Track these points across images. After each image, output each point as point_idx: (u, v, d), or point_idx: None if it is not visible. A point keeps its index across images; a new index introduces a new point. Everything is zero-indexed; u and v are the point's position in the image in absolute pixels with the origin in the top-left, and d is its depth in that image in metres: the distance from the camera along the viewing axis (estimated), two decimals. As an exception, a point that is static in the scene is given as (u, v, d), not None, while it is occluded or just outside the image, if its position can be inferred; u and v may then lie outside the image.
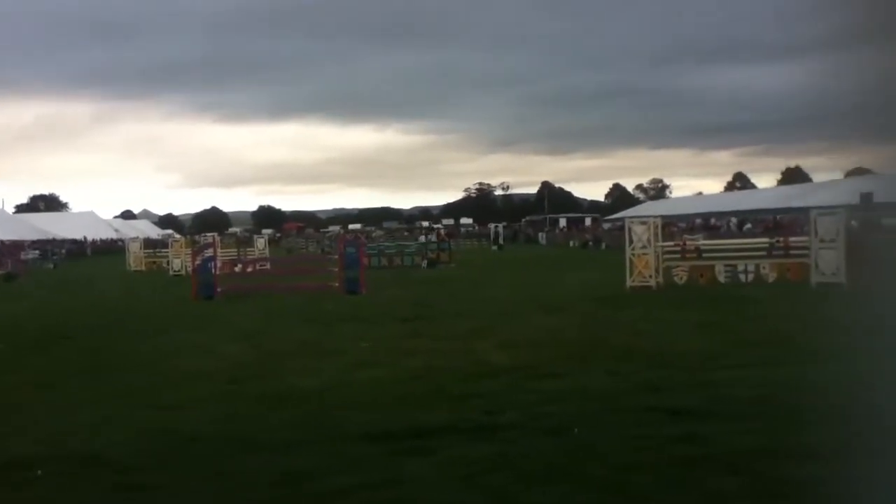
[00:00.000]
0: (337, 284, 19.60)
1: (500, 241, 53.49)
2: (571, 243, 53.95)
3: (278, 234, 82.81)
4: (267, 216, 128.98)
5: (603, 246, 44.16)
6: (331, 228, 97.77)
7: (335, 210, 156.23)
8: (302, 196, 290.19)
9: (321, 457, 5.46)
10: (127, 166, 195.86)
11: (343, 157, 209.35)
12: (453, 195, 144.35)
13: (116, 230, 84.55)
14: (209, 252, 21.02)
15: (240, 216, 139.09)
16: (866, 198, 29.65)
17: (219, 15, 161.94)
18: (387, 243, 41.25)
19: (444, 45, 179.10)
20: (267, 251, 38.03)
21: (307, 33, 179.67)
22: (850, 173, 77.52)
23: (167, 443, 5.98)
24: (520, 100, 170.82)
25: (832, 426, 5.73)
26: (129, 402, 7.48)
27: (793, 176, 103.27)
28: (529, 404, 6.78)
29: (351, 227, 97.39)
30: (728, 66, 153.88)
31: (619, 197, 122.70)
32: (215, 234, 49.00)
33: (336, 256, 22.11)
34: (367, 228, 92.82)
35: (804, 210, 22.58)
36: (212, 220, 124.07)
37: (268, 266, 29.07)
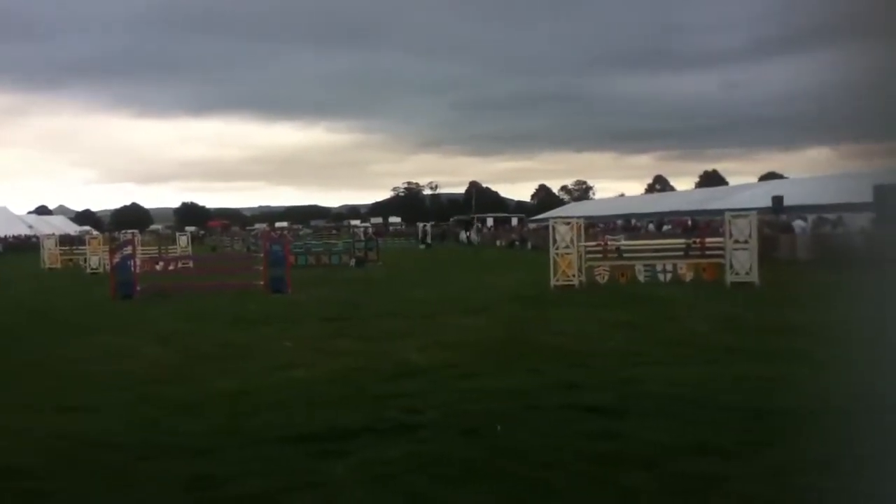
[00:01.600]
0: (262, 283, 19.29)
1: (429, 240, 53.56)
2: (498, 243, 54.43)
3: (202, 232, 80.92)
4: (190, 213, 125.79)
5: (529, 246, 44.70)
6: (256, 226, 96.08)
7: (261, 208, 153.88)
8: (226, 193, 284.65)
9: (236, 460, 5.37)
10: (40, 160, 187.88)
11: (269, 154, 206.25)
12: (382, 194, 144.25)
13: (30, 226, 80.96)
14: (128, 249, 20.39)
15: (162, 213, 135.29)
16: (777, 201, 30.96)
17: (143, 12, 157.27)
18: (314, 242, 40.80)
19: (372, 47, 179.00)
20: (190, 249, 37.14)
21: (232, 32, 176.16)
22: (764, 177, 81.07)
23: (76, 449, 5.77)
24: (448, 103, 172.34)
25: (741, 422, 5.99)
26: (38, 408, 7.19)
27: (710, 179, 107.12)
28: (450, 404, 6.81)
29: (277, 224, 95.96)
30: (647, 75, 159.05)
31: (545, 198, 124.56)
32: (135, 231, 47.49)
33: (261, 255, 21.74)
34: (294, 226, 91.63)
35: (720, 212, 23.38)
36: (132, 216, 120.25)
37: (190, 265, 28.33)
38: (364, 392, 7.42)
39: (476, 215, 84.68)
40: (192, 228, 77.03)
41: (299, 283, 19.75)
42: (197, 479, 5.01)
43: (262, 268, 20.12)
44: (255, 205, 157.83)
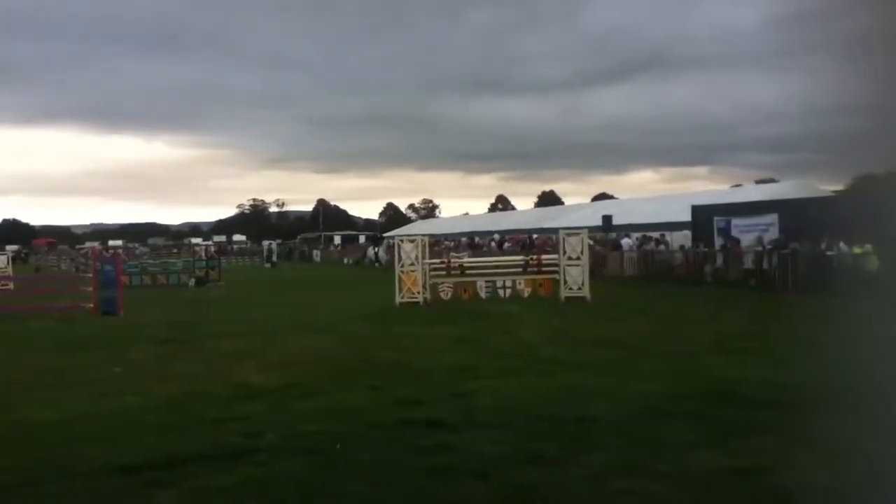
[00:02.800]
0: (91, 305, 18.16)
1: (274, 258, 52.48)
2: (346, 261, 54.24)
3: (25, 252, 74.75)
4: (12, 231, 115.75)
5: (377, 264, 44.86)
6: (87, 245, 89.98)
7: (93, 225, 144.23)
8: (55, 209, 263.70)
9: (50, 497, 5.04)
10: None
11: (105, 168, 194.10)
12: (225, 211, 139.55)
13: None
14: (-67, 271, 18.57)
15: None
16: (607, 220, 32.89)
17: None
18: (150, 261, 38.82)
19: (212, 61, 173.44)
20: (10, 269, 34.22)
21: (64, 38, 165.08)
22: (596, 198, 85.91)
23: None
24: (292, 119, 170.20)
25: (567, 430, 6.35)
26: None
27: (547, 199, 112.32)
28: (289, 425, 6.74)
29: (111, 243, 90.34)
30: (487, 99, 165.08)
31: (393, 216, 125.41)
32: (-56, 250, 43.18)
33: (91, 275, 20.44)
34: (131, 245, 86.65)
35: (555, 230, 24.55)
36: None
37: (10, 286, 26.23)
38: (199, 417, 7.17)
39: (324, 233, 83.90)
40: (15, 247, 71.00)
41: (133, 305, 18.78)
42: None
43: (91, 289, 18.95)
44: (87, 222, 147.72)
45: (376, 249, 44.24)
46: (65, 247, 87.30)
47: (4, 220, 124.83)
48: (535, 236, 39.30)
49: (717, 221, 26.22)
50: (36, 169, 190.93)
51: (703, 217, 27.14)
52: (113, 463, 5.66)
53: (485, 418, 6.79)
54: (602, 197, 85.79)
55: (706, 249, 24.72)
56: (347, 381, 8.84)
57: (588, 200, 79.41)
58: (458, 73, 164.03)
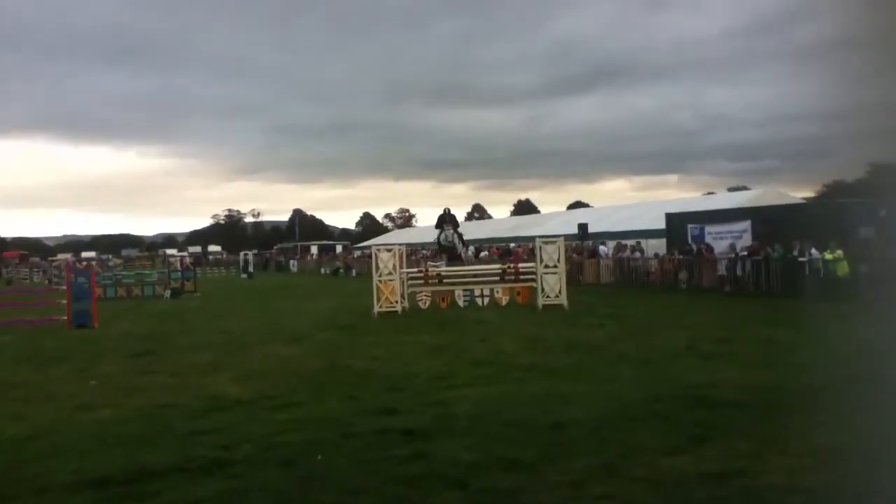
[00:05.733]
0: (65, 318, 17.93)
1: (250, 269, 52.13)
2: (323, 270, 54.06)
3: (-5, 264, 73.54)
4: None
5: (354, 273, 44.75)
6: (60, 257, 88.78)
7: (65, 237, 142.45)
8: (25, 221, 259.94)
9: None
10: None
11: (76, 179, 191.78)
12: (200, 222, 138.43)
13: None
14: None
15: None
16: (583, 228, 33.10)
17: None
18: (124, 272, 38.41)
19: (173, 70, 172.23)
20: (-22, 283, 33.70)
21: (27, 49, 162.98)
22: (572, 206, 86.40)
23: None
24: (261, 129, 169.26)
25: (541, 436, 6.38)
26: None
27: (523, 208, 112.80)
28: (265, 436, 6.69)
29: (84, 255, 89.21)
30: (455, 108, 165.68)
31: (369, 225, 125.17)
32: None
33: (64, 287, 20.18)
34: (104, 257, 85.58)
35: (531, 238, 24.64)
36: None
37: (-21, 300, 25.78)
38: (173, 429, 7.11)
39: (300, 243, 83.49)
40: (-17, 260, 69.84)
41: (107, 317, 18.57)
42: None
43: (64, 301, 18.71)
44: (59, 233, 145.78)
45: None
46: (37, 259, 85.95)
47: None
48: (512, 245, 39.38)
49: (691, 229, 26.50)
50: (5, 180, 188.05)
51: (678, 224, 27.41)
52: (85, 477, 5.60)
53: (461, 426, 6.80)
54: (578, 205, 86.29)
55: (681, 256, 24.96)
56: (323, 390, 8.80)
57: (564, 209, 79.91)
58: (426, 83, 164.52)
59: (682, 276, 23.99)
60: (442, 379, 9.22)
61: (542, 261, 18.57)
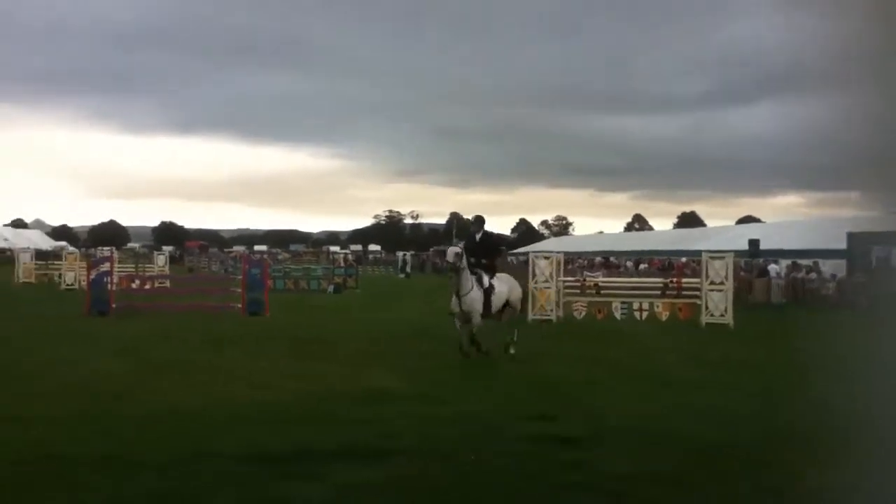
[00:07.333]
0: (239, 305, 19.22)
1: (408, 269, 53.53)
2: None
3: (179, 252, 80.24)
4: (168, 233, 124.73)
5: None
6: (235, 248, 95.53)
7: (240, 230, 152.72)
8: (206, 214, 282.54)
9: (198, 476, 5.35)
10: (17, 172, 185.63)
11: (251, 177, 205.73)
12: (362, 221, 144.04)
13: (6, 239, 79.96)
14: (105, 266, 20.23)
15: (140, 231, 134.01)
16: (754, 244, 31.36)
17: (127, 28, 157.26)
18: (292, 266, 40.65)
19: (333, 75, 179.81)
20: (167, 269, 36.79)
21: (214, 53, 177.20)
22: (741, 220, 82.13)
23: (31, 461, 5.69)
24: (422, 132, 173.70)
25: (700, 454, 6.11)
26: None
27: (688, 220, 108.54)
28: (423, 430, 6.82)
29: (256, 248, 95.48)
30: (615, 115, 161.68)
31: (525, 231, 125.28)
32: (112, 248, 47.03)
33: (239, 277, 21.66)
34: (274, 250, 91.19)
35: (697, 253, 23.68)
36: (109, 233, 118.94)
37: (167, 284, 28.15)
38: (335, 415, 7.42)
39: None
40: (170, 248, 76.38)
41: (277, 307, 19.69)
42: (155, 497, 4.99)
43: (239, 290, 20.06)
44: (234, 227, 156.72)
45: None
46: (215, 249, 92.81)
47: (161, 223, 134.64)
48: (683, 259, 37.87)
49: (877, 250, 24.40)
50: (190, 175, 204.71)
51: (861, 245, 25.35)
52: (254, 451, 5.95)
53: (616, 437, 6.65)
54: (748, 220, 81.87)
55: (863, 280, 23.06)
56: (475, 390, 8.88)
57: (732, 223, 76.09)
58: (584, 90, 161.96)
59: (864, 301, 22.13)
60: (594, 388, 9.07)
61: (707, 277, 17.79)
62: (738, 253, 26.81)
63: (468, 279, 11.25)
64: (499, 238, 22.00)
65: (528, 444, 6.39)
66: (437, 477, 5.48)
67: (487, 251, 12.00)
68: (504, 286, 11.89)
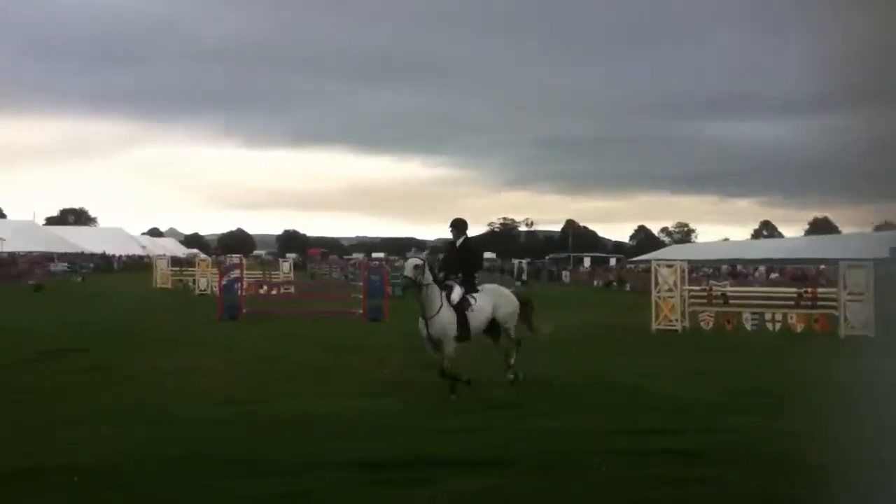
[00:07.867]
0: (360, 312, 19.64)
1: (524, 277, 53.22)
2: (595, 283, 53.62)
3: (302, 259, 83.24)
4: (291, 241, 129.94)
5: (627, 287, 43.80)
6: (354, 256, 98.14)
7: (358, 238, 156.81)
8: (325, 222, 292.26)
9: (318, 480, 5.45)
10: (152, 186, 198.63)
11: (367, 186, 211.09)
12: (476, 229, 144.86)
13: (144, 247, 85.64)
14: (235, 273, 21.19)
15: (264, 239, 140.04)
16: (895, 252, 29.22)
17: (244, 50, 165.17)
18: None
19: (440, 88, 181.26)
20: (292, 275, 38.17)
21: (328, 70, 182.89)
22: (879, 227, 76.78)
23: (163, 461, 5.96)
24: (530, 142, 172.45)
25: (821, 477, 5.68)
26: (133, 418, 7.56)
27: (820, 226, 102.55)
28: (533, 441, 6.71)
29: (375, 255, 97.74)
30: (736, 119, 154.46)
31: (644, 239, 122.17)
32: (241, 255, 49.35)
33: (360, 284, 22.18)
34: (391, 257, 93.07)
35: (832, 261, 22.31)
36: (237, 241, 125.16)
37: (292, 290, 29.19)
38: (445, 423, 7.45)
39: (572, 254, 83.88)
40: (294, 255, 79.34)
41: (396, 314, 19.98)
42: (285, 498, 5.11)
43: (360, 296, 20.51)
44: (352, 235, 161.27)
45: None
46: (335, 257, 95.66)
47: (285, 231, 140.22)
48: (822, 267, 35.71)
49: None
50: (310, 185, 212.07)
51: None
52: (366, 457, 6.02)
53: (738, 455, 6.30)
54: (888, 226, 76.45)
55: None
56: (589, 403, 8.65)
57: (869, 230, 71.36)
58: (702, 94, 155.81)
59: None
60: (718, 405, 8.60)
61: (845, 287, 16.70)
62: (877, 261, 25.05)
63: (436, 297, 9.08)
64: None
65: (640, 458, 6.18)
66: (548, 490, 5.37)
67: (468, 263, 9.93)
68: (487, 301, 9.72)
